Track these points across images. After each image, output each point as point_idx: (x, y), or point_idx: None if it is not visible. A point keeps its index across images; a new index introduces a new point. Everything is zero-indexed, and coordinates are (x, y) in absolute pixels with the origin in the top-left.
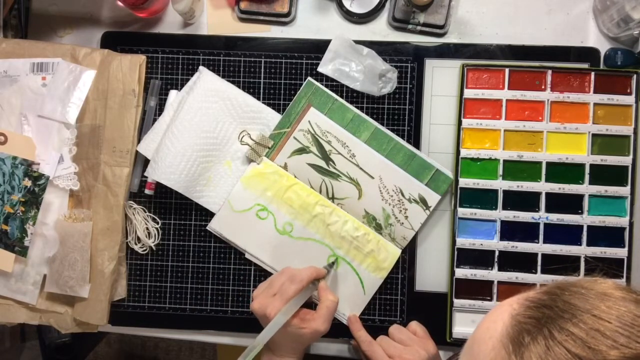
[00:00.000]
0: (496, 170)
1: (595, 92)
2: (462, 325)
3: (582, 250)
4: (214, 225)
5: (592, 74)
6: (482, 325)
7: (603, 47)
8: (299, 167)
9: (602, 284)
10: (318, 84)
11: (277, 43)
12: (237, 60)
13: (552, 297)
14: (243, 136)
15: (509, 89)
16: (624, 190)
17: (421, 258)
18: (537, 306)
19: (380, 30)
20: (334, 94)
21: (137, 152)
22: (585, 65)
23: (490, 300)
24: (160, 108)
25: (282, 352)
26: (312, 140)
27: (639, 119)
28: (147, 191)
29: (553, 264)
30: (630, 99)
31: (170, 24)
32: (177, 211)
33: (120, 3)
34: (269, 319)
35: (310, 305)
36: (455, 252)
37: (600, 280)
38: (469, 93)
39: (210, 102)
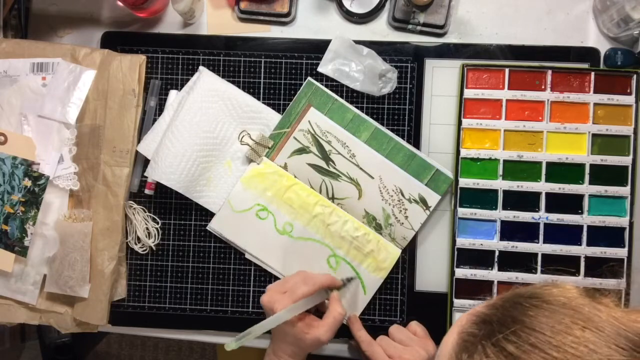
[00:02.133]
0: (496, 170)
1: (595, 92)
2: None
3: (582, 250)
4: (214, 225)
5: (592, 74)
6: (443, 339)
7: (603, 47)
8: (299, 167)
9: (547, 290)
10: (318, 84)
11: (277, 43)
12: (237, 60)
13: (493, 311)
14: (243, 136)
15: (509, 89)
16: (624, 190)
17: (421, 258)
18: (478, 322)
19: (380, 30)
20: (334, 94)
21: (137, 152)
22: (585, 65)
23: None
24: (160, 108)
25: (281, 354)
26: (312, 140)
27: (639, 119)
28: (147, 191)
29: (553, 264)
30: (630, 99)
31: (170, 24)
32: (177, 211)
33: (120, 3)
34: (274, 313)
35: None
36: (455, 252)
37: (547, 287)
38: (469, 93)
39: (210, 102)
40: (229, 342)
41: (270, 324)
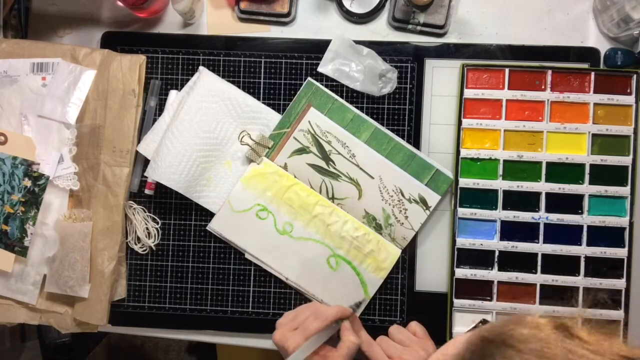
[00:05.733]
0: (496, 170)
1: (595, 92)
2: (462, 325)
3: (582, 250)
4: (214, 225)
5: (592, 74)
6: None
7: (603, 47)
8: (299, 167)
9: (517, 332)
10: (318, 84)
11: (277, 43)
12: (237, 60)
13: (472, 355)
14: (243, 136)
15: (509, 89)
16: (624, 190)
17: (421, 258)
18: None
19: (380, 30)
20: (334, 94)
21: (137, 152)
22: (585, 65)
23: (490, 300)
24: (160, 108)
25: None
26: (312, 140)
27: (639, 119)
28: (147, 191)
29: (553, 264)
30: (630, 99)
31: (170, 24)
32: (177, 211)
33: (120, 3)
34: (288, 353)
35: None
36: (455, 252)
37: (517, 328)
38: (469, 93)
39: (210, 102)
40: None
41: None
